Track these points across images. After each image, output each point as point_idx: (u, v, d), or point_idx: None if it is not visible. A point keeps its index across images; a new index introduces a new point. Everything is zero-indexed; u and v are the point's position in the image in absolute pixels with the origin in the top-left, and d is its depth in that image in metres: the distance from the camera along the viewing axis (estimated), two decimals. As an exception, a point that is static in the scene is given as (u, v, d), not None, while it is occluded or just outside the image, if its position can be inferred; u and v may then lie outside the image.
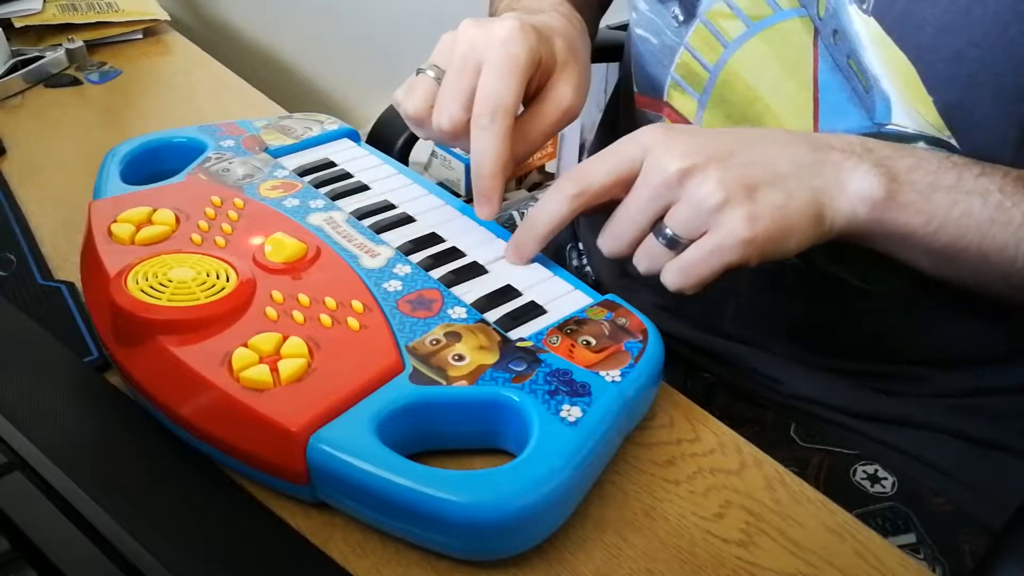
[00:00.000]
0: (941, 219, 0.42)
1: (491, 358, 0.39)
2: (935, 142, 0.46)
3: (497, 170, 0.46)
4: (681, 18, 0.54)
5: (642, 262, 0.43)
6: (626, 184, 0.43)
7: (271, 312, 0.40)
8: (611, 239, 0.44)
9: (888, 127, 0.47)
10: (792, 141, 0.43)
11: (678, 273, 0.41)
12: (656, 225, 0.42)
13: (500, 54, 0.45)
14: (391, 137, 0.78)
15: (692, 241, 0.41)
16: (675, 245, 0.41)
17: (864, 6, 0.45)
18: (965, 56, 0.43)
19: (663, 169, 0.41)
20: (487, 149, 0.45)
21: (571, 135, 1.70)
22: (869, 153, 0.43)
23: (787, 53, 0.50)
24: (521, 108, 0.49)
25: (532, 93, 0.49)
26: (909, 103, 0.46)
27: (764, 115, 0.52)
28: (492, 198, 0.47)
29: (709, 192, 0.40)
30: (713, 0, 0.52)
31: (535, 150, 0.49)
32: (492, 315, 0.42)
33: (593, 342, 0.41)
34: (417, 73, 0.49)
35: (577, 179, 0.43)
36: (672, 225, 0.41)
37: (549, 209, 0.44)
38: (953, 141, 0.46)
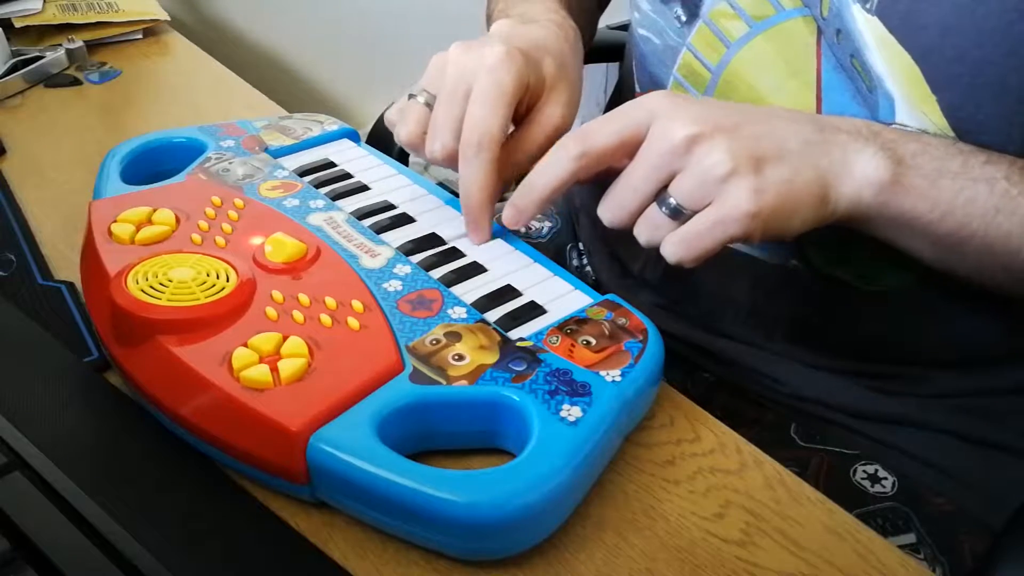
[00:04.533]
0: (946, 205, 0.42)
1: (491, 358, 0.39)
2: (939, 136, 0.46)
3: (484, 199, 0.46)
4: (684, 18, 0.54)
5: (643, 232, 0.42)
6: (630, 149, 0.42)
7: (271, 312, 0.40)
8: (613, 207, 0.43)
9: (892, 126, 0.47)
10: (799, 119, 0.43)
11: (679, 244, 0.41)
12: (659, 194, 0.41)
13: (487, 82, 0.45)
14: (391, 137, 0.77)
15: (696, 212, 0.40)
16: (678, 215, 0.41)
17: (867, 6, 0.45)
18: (969, 56, 0.43)
19: (670, 136, 0.40)
20: (474, 180, 0.45)
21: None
22: (876, 136, 0.42)
23: (790, 53, 0.50)
24: (512, 127, 0.49)
25: (522, 113, 0.49)
26: (913, 103, 0.46)
27: None
28: (481, 225, 0.47)
29: (716, 161, 0.39)
30: (716, 0, 0.52)
31: (523, 172, 0.49)
32: (492, 315, 0.42)
33: (593, 342, 0.41)
34: (409, 98, 0.49)
35: (581, 140, 0.43)
36: (676, 194, 0.40)
37: (550, 170, 0.43)
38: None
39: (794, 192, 0.40)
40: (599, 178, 0.44)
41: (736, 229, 0.40)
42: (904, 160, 0.42)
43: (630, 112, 0.42)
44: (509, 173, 0.48)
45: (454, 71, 0.46)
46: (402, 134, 0.49)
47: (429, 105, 0.48)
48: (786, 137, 0.41)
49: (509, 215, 0.46)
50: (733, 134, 0.40)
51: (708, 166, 0.39)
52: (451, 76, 0.46)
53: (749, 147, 0.40)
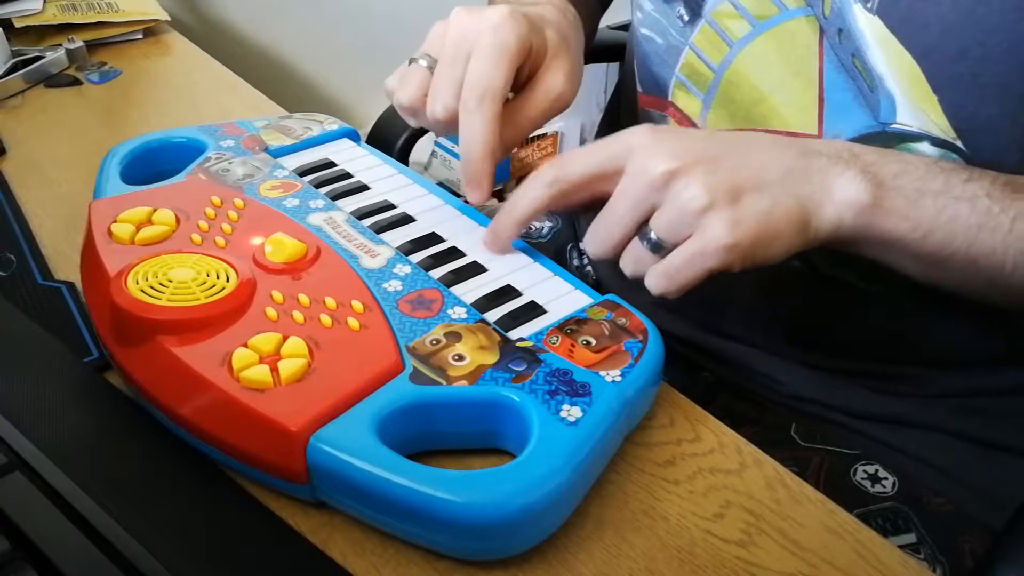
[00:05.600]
0: (928, 225, 0.42)
1: (491, 358, 0.39)
2: (940, 142, 0.46)
3: (485, 154, 0.46)
4: (686, 18, 0.54)
5: (628, 265, 0.43)
6: (607, 180, 0.42)
7: (271, 312, 0.40)
8: (597, 241, 0.44)
9: (893, 126, 0.47)
10: (779, 146, 0.43)
11: (661, 277, 0.41)
12: (641, 228, 0.42)
13: (489, 40, 0.45)
14: (391, 137, 0.78)
15: (676, 245, 0.41)
16: (659, 249, 0.41)
17: (868, 5, 0.45)
18: (970, 55, 0.43)
19: (648, 171, 0.41)
20: (475, 133, 0.45)
21: (571, 136, 1.70)
22: (856, 159, 0.43)
23: (792, 52, 0.50)
24: (512, 96, 0.49)
25: (523, 81, 0.49)
26: (914, 102, 0.46)
27: (769, 115, 0.52)
28: (481, 182, 0.47)
29: (693, 196, 0.40)
30: (718, 0, 0.52)
31: (524, 136, 0.49)
32: (492, 315, 0.42)
33: (593, 342, 0.41)
34: (409, 63, 0.49)
35: (556, 168, 0.43)
36: (656, 228, 0.41)
37: (526, 196, 0.44)
38: (958, 141, 0.46)
39: (773, 221, 0.40)
40: (588, 207, 0.44)
41: (715, 261, 0.40)
42: (884, 182, 0.42)
43: (609, 145, 0.43)
44: (509, 135, 0.48)
45: (456, 33, 0.47)
46: (402, 98, 0.49)
47: (430, 69, 0.48)
48: (766, 166, 0.42)
49: (489, 239, 0.47)
50: (711, 167, 0.40)
51: (685, 200, 0.40)
52: (453, 38, 0.47)
53: (726, 179, 0.40)
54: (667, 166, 0.40)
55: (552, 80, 0.49)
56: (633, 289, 0.65)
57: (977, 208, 0.42)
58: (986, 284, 0.44)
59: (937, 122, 0.46)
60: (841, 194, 0.42)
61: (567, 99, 0.50)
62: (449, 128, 0.47)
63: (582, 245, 0.45)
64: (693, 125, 0.56)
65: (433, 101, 0.47)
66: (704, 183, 0.40)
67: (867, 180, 0.42)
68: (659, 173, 0.40)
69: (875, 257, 0.45)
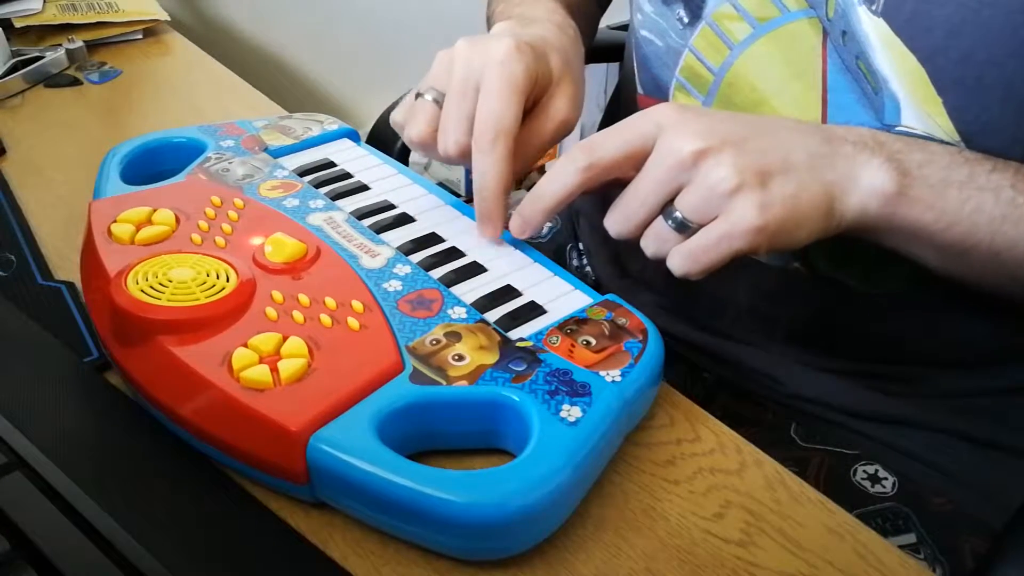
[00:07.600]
0: (952, 215, 0.42)
1: (491, 358, 0.39)
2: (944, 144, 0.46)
3: (500, 191, 0.46)
4: (686, 20, 0.54)
5: (650, 245, 0.43)
6: (636, 161, 0.42)
7: (271, 312, 0.40)
8: (619, 220, 0.43)
9: (897, 129, 0.47)
10: (805, 131, 0.43)
11: (685, 258, 0.41)
12: (666, 207, 0.41)
13: (498, 75, 0.45)
14: (391, 137, 0.78)
15: (702, 226, 0.40)
16: (684, 229, 0.41)
17: (873, 7, 0.45)
18: (975, 58, 0.43)
19: (677, 150, 0.40)
20: (490, 172, 0.45)
21: (571, 136, 1.70)
22: (881, 147, 0.42)
23: (794, 54, 0.50)
24: None
25: (528, 108, 0.49)
26: (918, 104, 0.46)
27: None
28: (495, 218, 0.47)
29: (723, 176, 0.39)
30: (719, 2, 0.51)
31: (533, 165, 0.49)
32: (492, 315, 0.42)
33: (593, 342, 0.41)
34: (416, 97, 0.49)
35: (588, 152, 0.43)
36: (682, 208, 0.40)
37: (557, 181, 0.43)
38: (962, 144, 0.45)
39: (800, 206, 0.40)
40: (604, 189, 0.44)
41: (742, 244, 0.40)
42: (910, 171, 0.42)
43: (637, 124, 0.42)
44: (519, 166, 0.48)
45: (462, 67, 0.46)
46: (412, 134, 0.49)
47: (438, 103, 0.48)
48: (792, 150, 0.41)
49: (516, 225, 0.46)
50: (740, 148, 0.40)
51: (714, 181, 0.39)
52: (459, 72, 0.46)
53: (755, 161, 0.40)
54: (696, 145, 0.40)
55: (557, 107, 0.49)
56: (633, 289, 0.65)
57: (1001, 199, 0.42)
58: (1007, 277, 0.44)
59: (942, 125, 0.46)
60: (867, 182, 0.41)
61: (571, 124, 0.50)
62: (462, 161, 0.47)
63: (605, 223, 0.44)
64: None
65: (444, 138, 0.47)
66: (734, 164, 0.39)
67: (893, 169, 0.41)
68: (688, 152, 0.40)
69: (896, 247, 0.44)
